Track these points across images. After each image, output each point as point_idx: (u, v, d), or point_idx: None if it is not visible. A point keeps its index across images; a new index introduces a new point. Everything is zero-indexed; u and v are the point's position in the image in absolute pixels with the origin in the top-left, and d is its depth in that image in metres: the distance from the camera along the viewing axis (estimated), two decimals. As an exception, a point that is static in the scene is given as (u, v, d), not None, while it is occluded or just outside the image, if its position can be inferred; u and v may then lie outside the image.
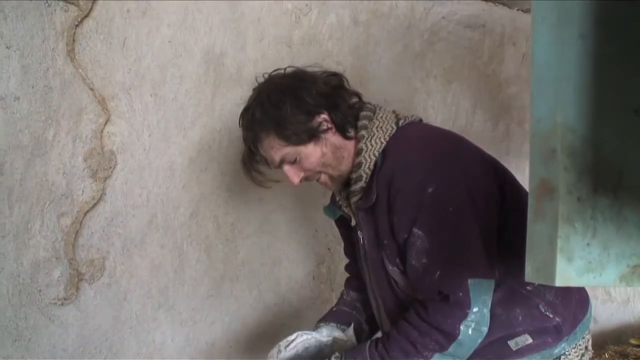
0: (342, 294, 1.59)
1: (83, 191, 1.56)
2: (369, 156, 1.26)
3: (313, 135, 1.27)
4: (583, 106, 0.68)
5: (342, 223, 1.49)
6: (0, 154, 1.45)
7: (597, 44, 0.69)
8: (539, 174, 0.69)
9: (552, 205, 0.68)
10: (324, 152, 1.28)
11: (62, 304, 1.54)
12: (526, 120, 2.39)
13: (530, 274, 0.71)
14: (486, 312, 1.17)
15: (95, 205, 1.57)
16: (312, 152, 1.28)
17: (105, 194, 1.58)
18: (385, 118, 1.30)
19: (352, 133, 1.30)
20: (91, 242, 1.58)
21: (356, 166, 1.28)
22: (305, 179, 1.33)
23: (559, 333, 1.26)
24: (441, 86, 2.16)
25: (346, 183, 1.34)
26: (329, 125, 1.28)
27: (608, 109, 0.69)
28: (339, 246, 1.95)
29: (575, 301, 1.30)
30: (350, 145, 1.30)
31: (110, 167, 1.58)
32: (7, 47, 1.44)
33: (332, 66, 1.89)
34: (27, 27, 1.46)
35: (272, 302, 1.88)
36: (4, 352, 1.47)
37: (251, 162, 1.36)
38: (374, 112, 1.32)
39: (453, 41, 2.17)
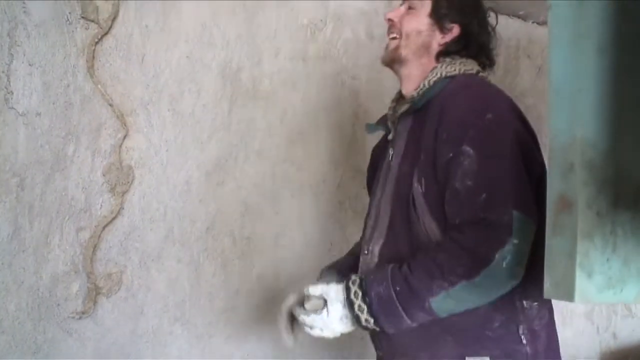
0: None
1: (101, 206, 1.57)
2: (438, 73, 1.30)
3: (441, 18, 1.32)
4: (602, 120, 0.67)
5: (376, 158, 1.50)
6: (22, 169, 1.47)
7: (615, 57, 0.68)
8: (557, 188, 0.69)
9: (570, 220, 0.67)
10: (421, 30, 1.33)
11: (80, 318, 1.55)
12: (542, 132, 2.37)
13: (550, 289, 0.69)
14: (526, 250, 1.08)
15: (113, 219, 1.58)
16: (420, 21, 1.33)
17: (123, 209, 1.60)
18: (471, 63, 1.35)
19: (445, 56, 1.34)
20: (109, 256, 1.59)
21: (423, 79, 1.31)
22: (392, 25, 1.37)
23: None
24: (456, 99, 2.15)
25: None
26: (453, 35, 1.33)
27: (628, 122, 0.69)
28: (355, 260, 1.94)
29: (554, 348, 1.24)
30: (432, 59, 1.34)
31: (128, 182, 1.60)
32: (29, 65, 1.47)
33: (347, 81, 1.90)
34: (49, 45, 1.49)
35: (287, 316, 1.88)
36: (23, 365, 1.48)
37: None
38: (466, 58, 1.36)
39: (468, 54, 2.17)
